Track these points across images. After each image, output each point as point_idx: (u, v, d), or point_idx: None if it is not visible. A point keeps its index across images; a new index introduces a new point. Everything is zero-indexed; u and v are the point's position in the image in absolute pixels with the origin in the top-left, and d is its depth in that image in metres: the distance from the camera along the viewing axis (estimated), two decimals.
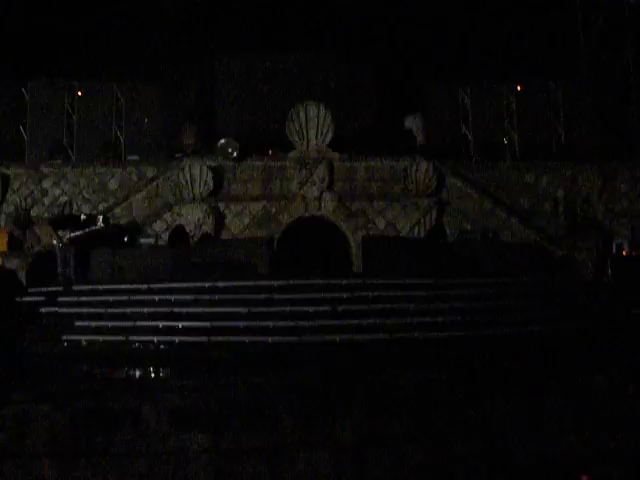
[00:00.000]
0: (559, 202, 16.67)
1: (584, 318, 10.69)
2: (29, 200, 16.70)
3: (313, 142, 16.57)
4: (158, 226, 16.04)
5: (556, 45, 18.72)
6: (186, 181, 15.95)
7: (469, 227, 16.16)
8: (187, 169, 15.96)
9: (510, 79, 18.73)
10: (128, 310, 10.63)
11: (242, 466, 4.92)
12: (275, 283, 11.14)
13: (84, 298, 11.21)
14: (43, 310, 10.98)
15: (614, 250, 15.09)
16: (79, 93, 18.52)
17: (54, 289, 11.70)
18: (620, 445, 5.20)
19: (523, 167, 17.46)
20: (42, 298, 11.38)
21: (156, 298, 10.89)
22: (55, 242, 13.06)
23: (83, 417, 6.69)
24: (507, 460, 4.87)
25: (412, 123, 18.00)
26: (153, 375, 9.11)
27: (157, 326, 10.19)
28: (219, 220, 15.99)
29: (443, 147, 17.66)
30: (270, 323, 10.02)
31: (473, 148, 18.57)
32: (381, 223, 16.30)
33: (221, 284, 11.16)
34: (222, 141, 16.65)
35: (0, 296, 11.22)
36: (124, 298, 10.96)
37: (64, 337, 10.09)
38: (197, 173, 15.96)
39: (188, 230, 15.37)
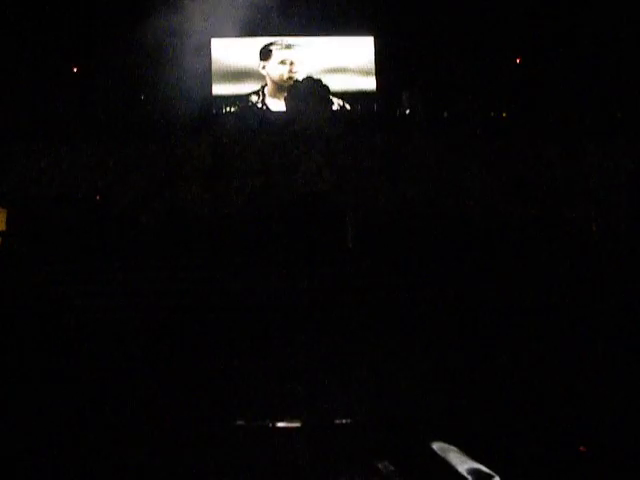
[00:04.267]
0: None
1: None
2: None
3: (312, 116, 16.45)
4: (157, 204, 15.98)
5: None
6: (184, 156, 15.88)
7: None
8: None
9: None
10: None
11: None
12: None
13: None
14: None
15: None
16: None
17: None
18: None
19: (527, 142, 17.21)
20: None
21: None
22: None
23: None
24: None
25: (410, 97, 17.86)
26: None
27: None
28: (218, 196, 15.92)
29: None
30: None
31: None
32: (381, 200, 16.22)
33: None
34: (220, 116, 16.59)
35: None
36: None
37: None
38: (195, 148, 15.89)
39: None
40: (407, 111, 17.58)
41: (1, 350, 8.28)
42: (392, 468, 4.32)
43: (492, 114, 18.41)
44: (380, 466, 4.35)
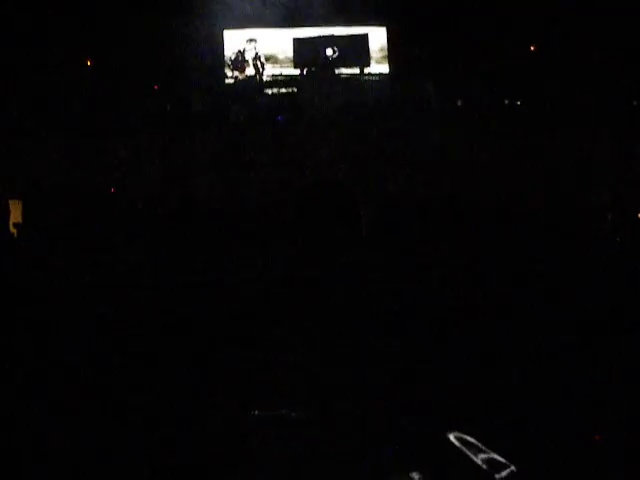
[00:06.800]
0: None
1: None
2: None
3: (324, 106, 16.41)
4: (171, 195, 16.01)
5: None
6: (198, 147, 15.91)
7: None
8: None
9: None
10: None
11: None
12: None
13: None
14: None
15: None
16: None
17: None
18: None
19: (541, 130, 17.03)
20: None
21: None
22: None
23: None
24: None
25: (424, 86, 17.75)
26: None
27: None
28: (231, 186, 15.95)
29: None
30: None
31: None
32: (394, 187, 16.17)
33: None
34: (233, 107, 16.59)
35: None
36: None
37: None
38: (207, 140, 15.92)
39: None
40: (421, 99, 17.48)
41: (16, 340, 8.38)
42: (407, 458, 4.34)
43: (506, 102, 18.26)
44: (396, 457, 4.37)
